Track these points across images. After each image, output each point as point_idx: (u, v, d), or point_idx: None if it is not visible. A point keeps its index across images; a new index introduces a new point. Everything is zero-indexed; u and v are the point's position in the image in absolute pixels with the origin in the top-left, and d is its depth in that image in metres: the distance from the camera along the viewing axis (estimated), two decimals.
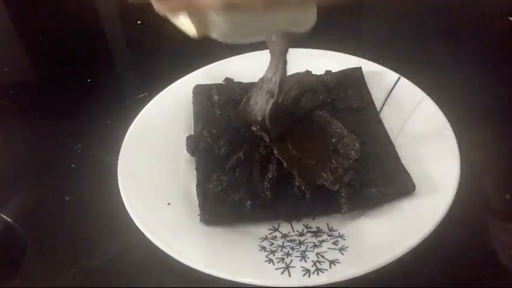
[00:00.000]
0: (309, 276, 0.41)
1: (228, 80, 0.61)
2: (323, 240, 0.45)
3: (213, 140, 0.53)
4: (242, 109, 0.53)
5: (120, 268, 0.47)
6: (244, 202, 0.47)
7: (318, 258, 0.43)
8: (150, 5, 0.39)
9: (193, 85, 0.60)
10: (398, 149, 0.52)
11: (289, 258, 0.43)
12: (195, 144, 0.53)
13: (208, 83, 0.61)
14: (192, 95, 0.59)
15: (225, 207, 0.47)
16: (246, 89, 0.58)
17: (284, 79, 0.50)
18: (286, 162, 0.48)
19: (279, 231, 0.47)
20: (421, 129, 0.54)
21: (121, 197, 0.48)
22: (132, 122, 0.56)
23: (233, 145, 0.51)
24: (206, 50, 0.75)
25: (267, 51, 0.66)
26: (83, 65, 0.74)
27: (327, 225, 0.47)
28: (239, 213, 0.47)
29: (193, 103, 0.58)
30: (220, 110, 0.57)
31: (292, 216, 0.48)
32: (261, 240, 0.46)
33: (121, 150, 0.53)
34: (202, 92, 0.59)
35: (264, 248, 0.45)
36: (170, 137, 0.56)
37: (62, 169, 0.57)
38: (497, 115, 0.61)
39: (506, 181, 0.53)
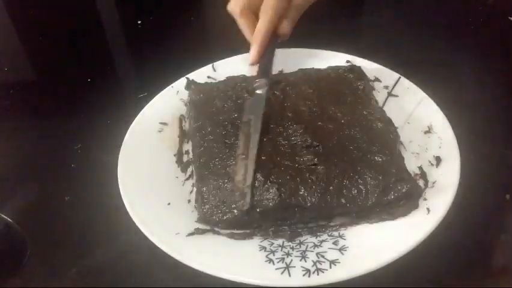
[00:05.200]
0: (309, 276, 0.41)
1: (228, 80, 0.61)
2: (323, 240, 0.45)
3: (213, 140, 0.53)
4: None
5: (120, 268, 0.47)
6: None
7: (318, 258, 0.43)
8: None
9: (193, 85, 0.60)
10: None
11: (289, 258, 0.43)
12: (194, 144, 0.53)
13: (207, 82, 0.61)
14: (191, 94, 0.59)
15: (225, 207, 0.47)
16: (246, 88, 0.58)
17: None
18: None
19: None
20: (421, 129, 0.54)
21: (121, 197, 0.48)
22: (132, 122, 0.56)
23: (233, 145, 0.51)
24: (206, 50, 0.75)
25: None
26: (83, 65, 0.74)
27: (327, 226, 0.47)
28: (239, 214, 0.47)
29: (192, 102, 0.58)
30: (220, 109, 0.56)
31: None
32: (261, 240, 0.46)
33: (121, 150, 0.53)
34: (201, 92, 0.59)
35: (264, 248, 0.45)
36: (170, 137, 0.56)
37: (62, 169, 0.57)
38: (497, 115, 0.61)
39: (506, 181, 0.53)
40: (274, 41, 0.56)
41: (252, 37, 0.55)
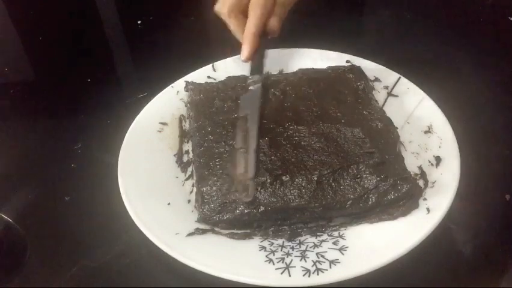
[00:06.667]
0: (309, 276, 0.41)
1: (228, 80, 0.61)
2: (323, 240, 0.45)
3: (213, 140, 0.53)
4: None
5: (120, 268, 0.47)
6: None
7: (318, 258, 0.43)
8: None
9: (193, 85, 0.60)
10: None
11: (289, 258, 0.43)
12: (194, 144, 0.53)
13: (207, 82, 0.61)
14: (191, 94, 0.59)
15: (225, 207, 0.47)
16: (247, 88, 0.58)
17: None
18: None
19: None
20: (421, 129, 0.54)
21: (121, 197, 0.48)
22: (132, 122, 0.56)
23: (233, 145, 0.51)
24: (206, 50, 0.75)
25: (268, 51, 0.66)
26: (83, 65, 0.74)
27: (327, 225, 0.47)
28: (239, 214, 0.47)
29: (192, 102, 0.58)
30: (220, 109, 0.56)
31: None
32: (261, 240, 0.46)
33: (121, 150, 0.53)
34: (201, 92, 0.59)
35: (264, 248, 0.45)
36: (170, 137, 0.56)
37: (62, 169, 0.57)
38: (497, 115, 0.61)
39: (506, 181, 0.53)
40: (264, 39, 0.57)
41: (242, 36, 0.56)
